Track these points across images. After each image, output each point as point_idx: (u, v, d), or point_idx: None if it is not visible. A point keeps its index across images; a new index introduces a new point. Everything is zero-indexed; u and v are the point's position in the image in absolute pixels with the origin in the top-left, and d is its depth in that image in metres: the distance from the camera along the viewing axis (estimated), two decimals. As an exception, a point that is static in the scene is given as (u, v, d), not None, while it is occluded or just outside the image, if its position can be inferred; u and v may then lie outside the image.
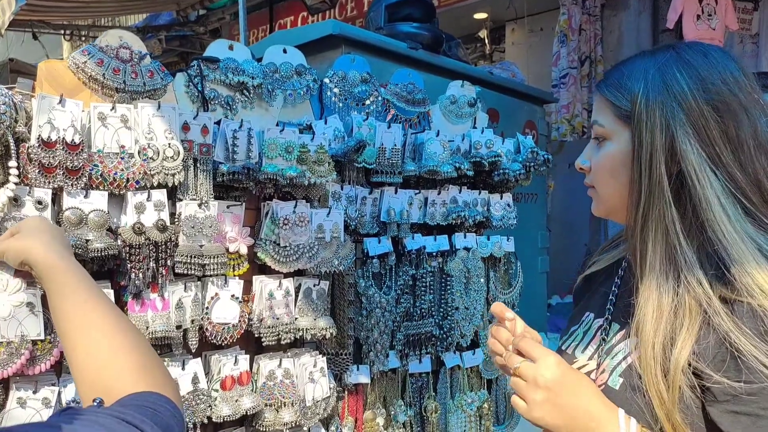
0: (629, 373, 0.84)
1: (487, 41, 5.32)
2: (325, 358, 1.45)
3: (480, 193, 1.85)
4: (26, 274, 0.89)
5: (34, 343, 1.05)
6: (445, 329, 1.76)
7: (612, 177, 0.90)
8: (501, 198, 1.90)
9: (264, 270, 1.41)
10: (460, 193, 1.80)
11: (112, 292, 1.16)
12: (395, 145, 1.65)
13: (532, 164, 1.86)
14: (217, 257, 1.26)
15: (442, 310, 1.77)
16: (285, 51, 1.59)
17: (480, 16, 5.07)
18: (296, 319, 1.40)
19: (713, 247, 0.78)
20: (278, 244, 1.37)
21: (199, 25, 6.69)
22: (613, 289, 0.97)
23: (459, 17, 4.94)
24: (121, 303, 1.20)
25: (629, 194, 0.87)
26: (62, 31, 5.61)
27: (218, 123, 1.30)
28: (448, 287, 1.77)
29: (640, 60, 0.88)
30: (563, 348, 1.00)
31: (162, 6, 5.98)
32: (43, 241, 0.84)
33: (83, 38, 5.80)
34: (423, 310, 1.73)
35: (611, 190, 0.92)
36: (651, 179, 0.83)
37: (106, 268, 1.18)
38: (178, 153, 1.20)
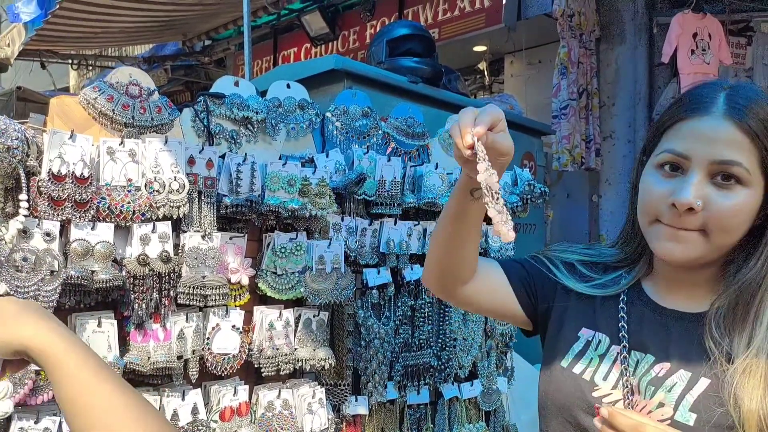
0: (703, 408, 0.81)
1: (486, 73, 5.42)
2: (323, 389, 1.46)
3: (478, 224, 1.88)
4: (18, 365, 0.73)
5: (37, 372, 1.06)
6: (444, 360, 1.77)
7: (738, 228, 0.83)
8: (499, 229, 1.93)
9: (265, 301, 1.43)
10: (458, 224, 1.83)
11: (115, 322, 1.18)
12: (395, 177, 1.68)
13: (529, 196, 1.90)
14: (219, 288, 1.28)
15: (440, 340, 1.78)
16: (288, 86, 1.64)
17: (479, 48, 5.17)
18: (296, 349, 1.41)
19: None
20: (279, 275, 1.39)
21: (204, 55, 6.82)
22: (621, 315, 0.93)
23: (459, 50, 5.04)
24: (123, 333, 1.22)
25: (741, 252, 0.86)
26: (70, 61, 5.73)
27: (223, 157, 1.33)
28: (447, 318, 1.79)
29: (767, 100, 0.83)
30: (575, 372, 0.93)
31: (169, 37, 6.11)
32: (33, 323, 0.70)
33: (90, 67, 5.92)
34: (421, 341, 1.74)
35: (728, 241, 0.85)
36: None
37: (110, 299, 1.20)
38: (184, 186, 1.23)
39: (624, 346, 0.90)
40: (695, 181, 0.81)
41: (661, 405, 0.84)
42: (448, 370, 1.78)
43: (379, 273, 1.66)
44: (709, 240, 0.83)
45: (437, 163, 1.77)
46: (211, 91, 1.41)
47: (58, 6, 4.01)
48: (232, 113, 1.40)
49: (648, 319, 0.92)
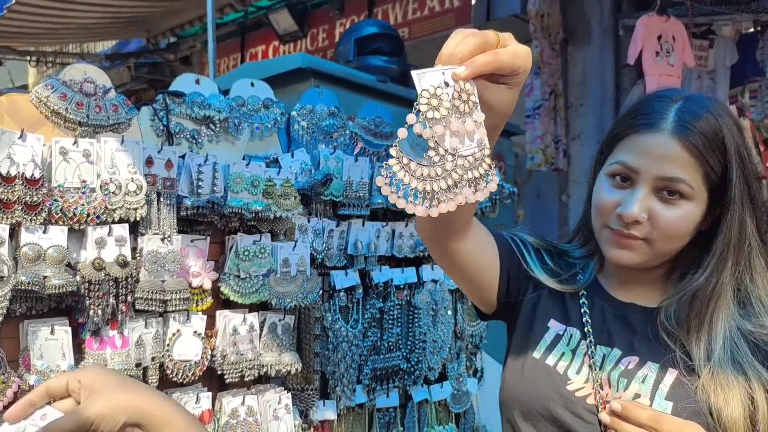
0: (677, 396, 0.85)
1: (456, 73, 5.43)
2: (290, 394, 1.43)
3: (447, 225, 1.87)
4: None
5: (-15, 384, 1.01)
6: (413, 362, 1.76)
7: (680, 238, 0.89)
8: (468, 230, 1.92)
9: (228, 305, 1.39)
10: (427, 225, 1.81)
11: (69, 329, 1.13)
12: (362, 178, 1.66)
13: (498, 197, 1.90)
14: (180, 293, 1.24)
15: (409, 343, 1.76)
16: (253, 84, 1.60)
17: (449, 48, 5.19)
18: (260, 354, 1.38)
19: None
20: (243, 278, 1.35)
21: (169, 53, 6.67)
22: (584, 310, 0.97)
23: (429, 50, 5.04)
24: (78, 340, 1.17)
25: (687, 260, 0.93)
26: (28, 58, 5.54)
27: (183, 157, 1.29)
28: (416, 320, 1.77)
29: (714, 115, 0.87)
30: (548, 363, 0.95)
31: (132, 33, 5.97)
32: (143, 393, 0.66)
33: (50, 64, 5.73)
34: (390, 344, 1.72)
35: (670, 249, 0.91)
36: (729, 254, 0.88)
37: (64, 305, 1.15)
38: (141, 187, 1.18)
39: (590, 341, 0.94)
40: (641, 196, 0.87)
41: (637, 396, 0.88)
42: (417, 372, 1.76)
43: (346, 275, 1.64)
44: (653, 248, 0.90)
45: (405, 164, 1.75)
46: (171, 89, 1.36)
47: (14, 1, 3.86)
48: (193, 112, 1.36)
49: (609, 313, 0.96)
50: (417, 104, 0.63)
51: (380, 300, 1.70)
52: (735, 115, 0.90)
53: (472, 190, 0.64)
